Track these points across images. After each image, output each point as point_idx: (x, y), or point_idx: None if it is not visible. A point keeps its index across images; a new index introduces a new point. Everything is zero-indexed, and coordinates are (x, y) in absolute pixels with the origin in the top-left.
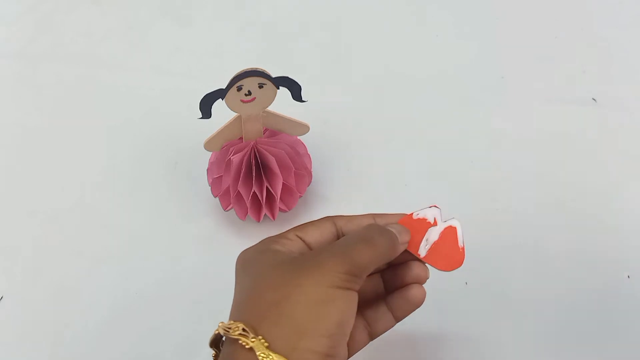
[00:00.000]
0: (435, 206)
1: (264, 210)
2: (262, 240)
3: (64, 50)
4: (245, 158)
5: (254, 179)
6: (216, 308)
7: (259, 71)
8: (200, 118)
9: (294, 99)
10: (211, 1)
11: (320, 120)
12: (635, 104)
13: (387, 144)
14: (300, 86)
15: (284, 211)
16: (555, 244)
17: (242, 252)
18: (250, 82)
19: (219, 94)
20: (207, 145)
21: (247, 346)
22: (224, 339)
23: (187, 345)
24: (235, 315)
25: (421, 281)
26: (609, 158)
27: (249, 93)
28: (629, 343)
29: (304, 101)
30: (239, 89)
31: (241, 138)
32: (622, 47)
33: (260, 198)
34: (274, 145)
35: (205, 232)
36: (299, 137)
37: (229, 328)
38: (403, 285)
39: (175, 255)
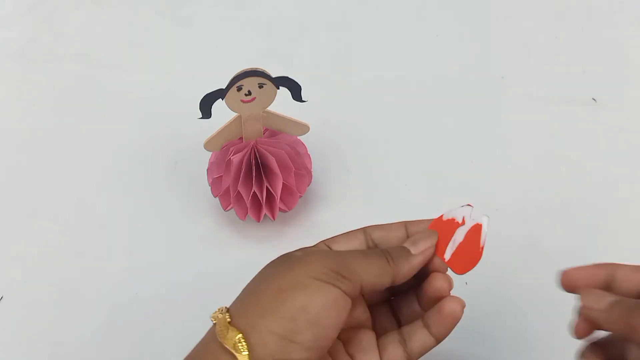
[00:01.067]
0: (469, 205)
1: (264, 210)
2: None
3: (64, 50)
4: (245, 158)
5: (254, 179)
6: (216, 307)
7: (259, 71)
8: (200, 118)
9: (294, 99)
10: (211, 1)
11: (320, 120)
12: (635, 104)
13: (387, 144)
14: (300, 86)
15: (284, 211)
16: (555, 243)
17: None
18: (250, 82)
19: (219, 94)
20: (207, 145)
21: (214, 321)
22: None
23: (187, 345)
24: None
25: (444, 293)
26: (609, 158)
27: (249, 93)
28: None
29: (304, 101)
30: (239, 89)
31: (241, 138)
32: (622, 47)
33: (260, 198)
34: (274, 145)
35: (205, 232)
36: (299, 137)
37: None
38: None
39: (175, 255)
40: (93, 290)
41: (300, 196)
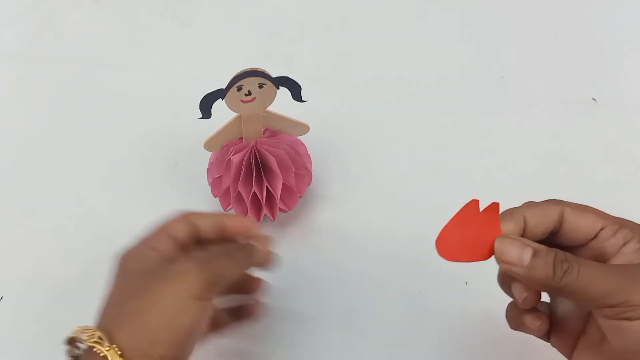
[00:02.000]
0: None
1: (264, 210)
2: (141, 240)
3: (64, 50)
4: (245, 158)
5: (254, 179)
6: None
7: (259, 71)
8: (200, 118)
9: (294, 99)
10: (211, 1)
11: (320, 120)
12: (635, 104)
13: (387, 144)
14: (300, 86)
15: (284, 211)
16: None
17: (123, 253)
18: (250, 82)
19: (219, 94)
20: (207, 145)
21: (101, 354)
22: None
23: None
24: (99, 320)
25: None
26: (609, 158)
27: (249, 93)
28: None
29: (304, 101)
30: (239, 89)
31: (241, 138)
32: (622, 47)
33: (260, 198)
34: (274, 145)
35: None
36: (299, 137)
37: (85, 333)
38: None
39: None
40: (93, 290)
41: (300, 196)
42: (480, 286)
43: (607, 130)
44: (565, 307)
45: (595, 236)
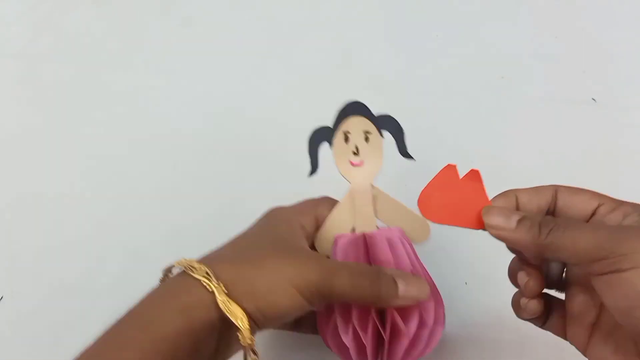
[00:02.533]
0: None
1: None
2: (296, 209)
3: (64, 50)
4: (353, 241)
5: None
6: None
7: (362, 106)
8: (310, 174)
9: (400, 152)
10: (211, 1)
11: (320, 120)
12: (635, 104)
13: (386, 144)
14: (403, 130)
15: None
16: None
17: (277, 209)
18: (356, 127)
19: (325, 134)
20: (318, 245)
21: (209, 289)
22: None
23: None
24: (215, 255)
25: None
26: (609, 158)
27: (357, 152)
28: None
29: (411, 158)
30: (347, 138)
31: (353, 231)
32: (622, 47)
33: (383, 334)
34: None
35: (205, 233)
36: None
37: (193, 265)
38: None
39: (176, 255)
40: (93, 291)
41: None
42: (480, 286)
43: (607, 130)
44: (579, 300)
45: (594, 213)
